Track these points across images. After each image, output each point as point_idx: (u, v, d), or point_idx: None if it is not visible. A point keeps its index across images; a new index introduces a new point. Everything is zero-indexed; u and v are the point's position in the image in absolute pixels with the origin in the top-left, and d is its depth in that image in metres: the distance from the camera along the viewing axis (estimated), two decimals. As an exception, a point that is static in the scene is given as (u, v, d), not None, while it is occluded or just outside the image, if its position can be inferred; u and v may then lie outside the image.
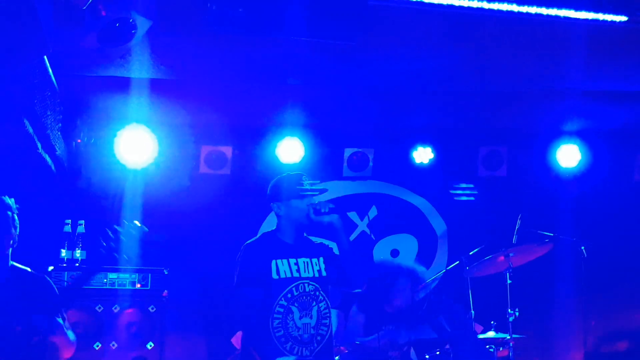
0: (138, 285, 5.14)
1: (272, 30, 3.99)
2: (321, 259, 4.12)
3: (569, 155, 6.59)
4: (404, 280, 5.64)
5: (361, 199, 6.84)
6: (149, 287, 5.16)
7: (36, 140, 4.31)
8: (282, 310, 3.92)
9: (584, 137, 6.63)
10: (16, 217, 3.67)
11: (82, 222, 5.23)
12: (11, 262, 3.70)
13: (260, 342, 3.84)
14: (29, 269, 3.77)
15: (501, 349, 5.04)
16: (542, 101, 5.96)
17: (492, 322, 5.21)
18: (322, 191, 4.17)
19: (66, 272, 4.98)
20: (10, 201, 3.66)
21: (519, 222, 5.49)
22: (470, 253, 5.59)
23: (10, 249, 3.66)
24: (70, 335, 3.81)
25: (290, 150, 6.28)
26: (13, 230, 3.65)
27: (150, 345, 5.04)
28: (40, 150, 4.44)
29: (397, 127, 6.58)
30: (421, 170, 6.62)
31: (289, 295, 3.96)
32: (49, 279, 3.86)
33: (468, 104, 5.99)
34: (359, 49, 4.65)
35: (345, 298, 5.78)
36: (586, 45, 4.64)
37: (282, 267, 3.98)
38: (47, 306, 3.68)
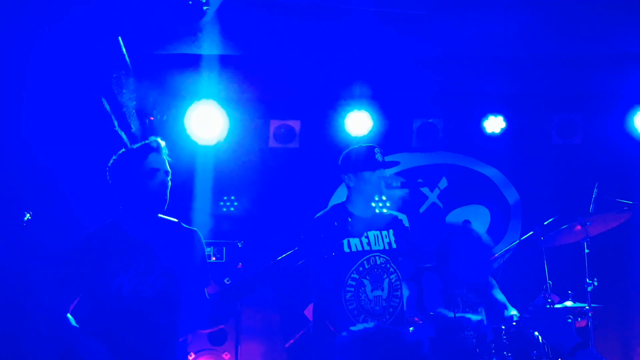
0: (213, 259, 5.25)
1: (341, 1, 3.97)
2: (391, 231, 4.12)
3: (648, 121, 6.35)
4: (459, 238, 5.55)
5: (431, 170, 6.78)
6: (224, 260, 5.27)
7: (113, 118, 4.43)
8: (354, 283, 3.94)
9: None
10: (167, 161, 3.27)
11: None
12: (160, 214, 3.30)
13: (333, 314, 3.88)
14: (176, 220, 3.37)
15: (579, 319, 4.95)
16: (618, 65, 5.74)
17: (569, 292, 5.12)
18: (394, 164, 4.15)
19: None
20: (163, 143, 3.28)
21: (595, 190, 5.34)
22: (545, 223, 5.49)
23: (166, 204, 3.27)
24: None
25: (358, 122, 6.26)
26: (169, 181, 3.25)
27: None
28: (117, 127, 4.56)
29: (467, 96, 6.46)
30: (492, 139, 6.50)
31: (361, 269, 3.98)
32: (199, 233, 3.42)
33: (541, 70, 5.82)
34: (427, 18, 4.58)
35: (417, 270, 5.77)
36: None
37: (352, 241, 3.99)
38: (195, 266, 3.28)
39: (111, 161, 3.24)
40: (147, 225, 3.20)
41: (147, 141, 3.24)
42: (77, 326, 3.04)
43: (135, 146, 3.24)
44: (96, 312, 3.06)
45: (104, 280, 3.04)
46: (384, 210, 4.16)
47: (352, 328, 2.16)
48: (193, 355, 5.07)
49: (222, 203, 3.31)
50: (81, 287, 3.07)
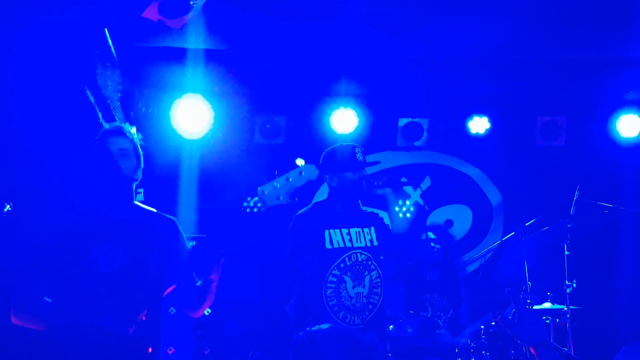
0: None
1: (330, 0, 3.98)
2: (372, 228, 4.14)
3: (630, 125, 6.41)
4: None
5: (415, 169, 6.81)
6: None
7: (97, 109, 4.41)
8: (335, 279, 3.96)
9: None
10: (140, 150, 3.23)
11: (142, 190, 5.35)
12: (135, 201, 3.26)
13: (313, 310, 3.90)
14: (154, 210, 3.31)
15: (557, 320, 5.00)
16: (603, 70, 5.79)
17: (548, 294, 5.18)
18: (374, 163, 4.16)
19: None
20: (131, 129, 3.24)
21: (577, 192, 5.39)
22: (527, 224, 5.54)
23: (135, 184, 3.22)
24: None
25: (344, 120, 6.27)
26: (133, 161, 3.19)
27: (208, 312, 5.15)
28: (101, 119, 4.54)
29: (453, 97, 6.50)
30: (477, 140, 6.54)
31: (342, 265, 3.99)
32: (177, 222, 3.35)
33: (526, 72, 5.86)
34: (416, 19, 4.60)
35: (400, 268, 5.81)
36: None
37: (334, 237, 4.01)
38: (176, 252, 3.23)
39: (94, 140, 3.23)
40: (123, 209, 3.19)
41: (106, 126, 3.25)
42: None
43: (107, 128, 3.23)
44: (73, 287, 3.00)
45: (80, 255, 3.02)
46: (364, 208, 4.20)
47: (308, 328, 2.19)
48: (173, 350, 5.07)
49: (245, 204, 3.28)
50: (57, 265, 3.02)
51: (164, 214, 3.33)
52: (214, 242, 3.11)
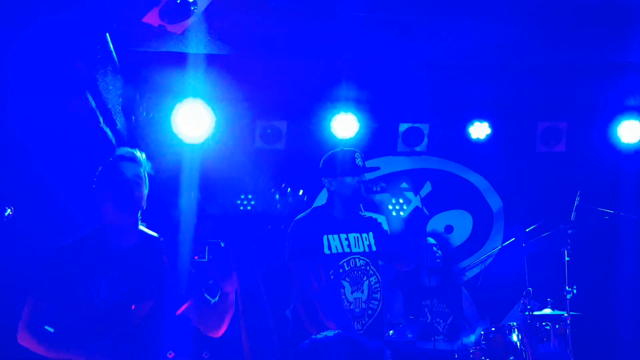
0: (195, 257, 5.22)
1: (330, 4, 3.98)
2: (371, 233, 4.13)
3: (630, 131, 6.41)
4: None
5: (415, 175, 6.81)
6: (205, 259, 5.24)
7: (98, 114, 4.41)
8: (334, 285, 3.95)
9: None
10: (146, 176, 3.25)
11: (142, 195, 5.33)
12: (140, 227, 3.27)
13: (313, 316, 3.89)
14: (156, 235, 3.33)
15: (558, 326, 5.00)
16: (604, 75, 5.80)
17: (548, 299, 5.17)
18: (374, 169, 4.17)
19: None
20: (142, 156, 3.27)
21: (577, 198, 5.39)
22: (527, 230, 5.54)
23: (140, 211, 3.23)
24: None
25: (344, 125, 6.27)
26: (144, 189, 3.20)
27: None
28: (102, 124, 4.54)
29: (453, 102, 6.50)
30: (477, 145, 6.54)
31: (340, 270, 3.99)
32: (179, 245, 3.31)
33: (527, 78, 5.86)
34: (417, 23, 4.61)
35: (399, 274, 5.81)
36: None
37: (333, 242, 4.01)
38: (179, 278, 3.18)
39: (99, 169, 3.24)
40: (128, 235, 3.19)
41: (120, 151, 3.25)
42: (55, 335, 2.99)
43: (118, 154, 3.24)
44: (74, 319, 3.02)
45: (82, 288, 3.02)
46: (363, 213, 4.20)
47: (313, 336, 2.17)
48: (173, 354, 5.05)
49: (239, 201, 3.29)
50: (59, 297, 3.02)
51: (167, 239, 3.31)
52: (222, 253, 3.08)
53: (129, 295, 3.07)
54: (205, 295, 3.21)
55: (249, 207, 3.11)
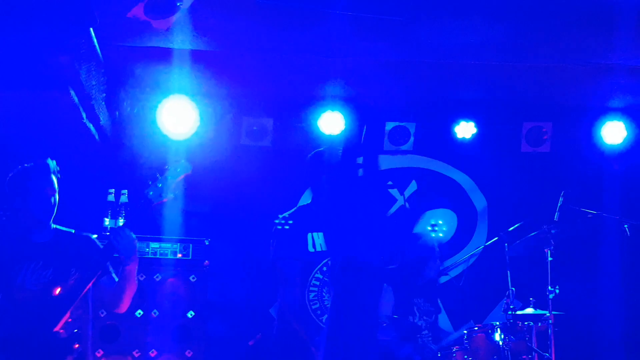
0: (179, 255, 5.21)
1: (317, 2, 3.97)
2: (355, 231, 4.12)
3: (614, 132, 6.45)
4: (436, 255, 5.63)
5: (401, 173, 6.81)
6: (190, 257, 5.22)
7: (81, 110, 4.38)
8: (317, 283, 3.94)
9: (630, 113, 6.48)
10: (55, 180, 3.65)
11: (126, 191, 5.31)
12: (54, 225, 3.70)
13: (299, 315, 3.88)
14: (72, 231, 3.75)
15: (540, 324, 5.02)
16: (589, 77, 5.82)
17: (531, 299, 5.19)
18: (358, 167, 4.16)
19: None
20: (52, 164, 3.65)
21: (561, 199, 5.41)
22: (510, 229, 5.56)
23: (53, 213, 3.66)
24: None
25: (331, 123, 6.27)
26: (56, 195, 3.64)
27: (191, 314, 5.13)
28: (85, 119, 4.51)
29: (440, 101, 6.51)
30: (463, 145, 6.56)
31: (325, 269, 3.98)
32: (93, 237, 3.81)
33: (513, 78, 5.89)
34: (404, 23, 4.60)
35: (386, 272, 5.80)
36: (635, 20, 4.52)
37: (317, 240, 4.00)
38: (92, 263, 3.59)
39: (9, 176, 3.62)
40: (45, 232, 3.65)
41: (33, 163, 3.62)
42: None
43: (26, 166, 3.63)
44: (4, 307, 3.45)
45: (10, 277, 3.49)
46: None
47: None
48: (155, 353, 5.03)
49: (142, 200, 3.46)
50: None
51: (82, 233, 3.76)
52: (119, 232, 3.54)
53: (53, 279, 3.52)
54: (110, 268, 3.66)
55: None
